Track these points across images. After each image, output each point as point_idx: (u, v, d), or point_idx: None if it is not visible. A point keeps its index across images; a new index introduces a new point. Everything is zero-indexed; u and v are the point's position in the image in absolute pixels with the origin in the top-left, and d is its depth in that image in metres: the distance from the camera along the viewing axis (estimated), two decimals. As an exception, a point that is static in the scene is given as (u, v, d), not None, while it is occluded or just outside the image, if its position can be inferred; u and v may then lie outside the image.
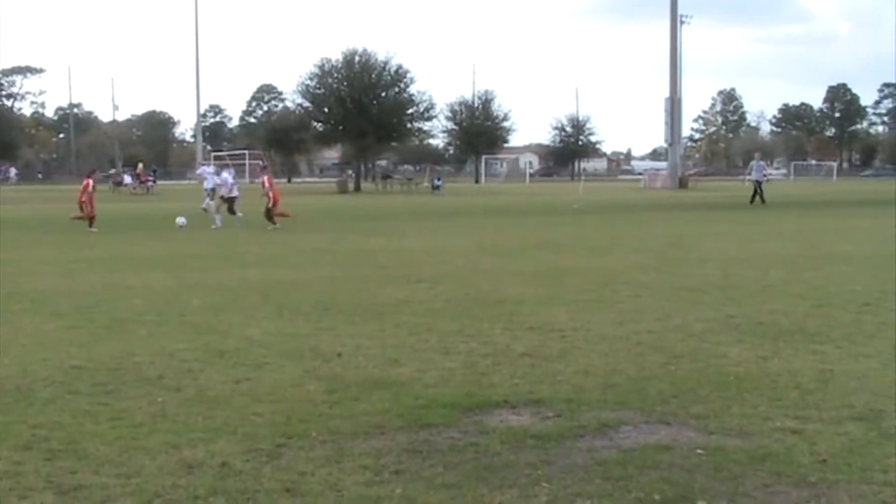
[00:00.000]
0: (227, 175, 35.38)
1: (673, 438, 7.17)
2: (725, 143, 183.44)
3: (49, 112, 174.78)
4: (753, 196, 47.55)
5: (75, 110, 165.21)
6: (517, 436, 7.22)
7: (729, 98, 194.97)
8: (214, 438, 7.19)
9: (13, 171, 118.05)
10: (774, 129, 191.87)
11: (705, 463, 6.60)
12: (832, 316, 12.55)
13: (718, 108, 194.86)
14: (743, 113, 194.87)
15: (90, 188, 32.20)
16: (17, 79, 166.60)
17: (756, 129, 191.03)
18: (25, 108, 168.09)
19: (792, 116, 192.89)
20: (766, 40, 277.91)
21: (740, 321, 12.21)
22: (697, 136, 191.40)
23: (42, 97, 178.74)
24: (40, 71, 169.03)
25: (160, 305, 14.06)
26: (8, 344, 11.02)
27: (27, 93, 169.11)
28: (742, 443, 7.02)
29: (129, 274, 18.48)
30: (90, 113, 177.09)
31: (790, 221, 34.80)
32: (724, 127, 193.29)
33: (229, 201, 33.83)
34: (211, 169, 42.29)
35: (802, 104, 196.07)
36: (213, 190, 37.19)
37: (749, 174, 47.55)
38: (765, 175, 46.81)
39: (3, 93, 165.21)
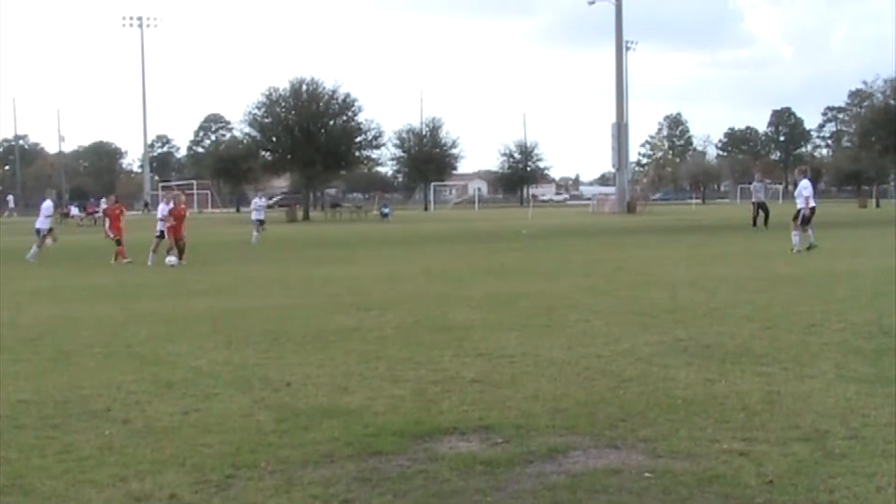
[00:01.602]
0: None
1: (622, 462, 7.19)
2: (672, 168, 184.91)
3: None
4: (755, 218, 44.46)
5: (21, 142, 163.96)
6: (466, 462, 7.22)
7: (675, 122, 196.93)
8: (163, 470, 7.14)
9: (11, 198, 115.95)
10: (721, 152, 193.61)
11: (654, 486, 6.63)
12: (778, 337, 12.65)
13: (665, 132, 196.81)
14: (689, 137, 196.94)
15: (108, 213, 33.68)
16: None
17: (703, 153, 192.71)
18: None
19: (738, 140, 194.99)
20: (710, 65, 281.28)
21: (688, 344, 12.28)
22: (645, 160, 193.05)
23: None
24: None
25: (107, 336, 13.96)
26: (-48, 378, 10.89)
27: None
28: (690, 465, 7.06)
29: (75, 305, 18.33)
30: (36, 144, 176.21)
31: (737, 244, 35.07)
32: (671, 151, 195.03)
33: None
34: (262, 202, 45.22)
35: (748, 128, 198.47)
36: (260, 222, 42.54)
37: (755, 194, 45.05)
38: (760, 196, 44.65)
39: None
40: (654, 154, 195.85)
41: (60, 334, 14.35)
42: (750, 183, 51.66)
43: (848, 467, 6.91)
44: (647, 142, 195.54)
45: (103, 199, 44.28)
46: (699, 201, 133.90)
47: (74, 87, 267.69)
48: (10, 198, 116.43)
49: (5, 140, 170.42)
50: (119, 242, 31.46)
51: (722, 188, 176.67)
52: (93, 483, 6.88)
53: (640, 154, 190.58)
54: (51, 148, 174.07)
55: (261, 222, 43.19)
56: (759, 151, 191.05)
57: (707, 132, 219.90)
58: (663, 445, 7.58)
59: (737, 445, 7.52)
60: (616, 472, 6.95)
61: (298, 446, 7.72)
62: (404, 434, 8.04)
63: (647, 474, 6.87)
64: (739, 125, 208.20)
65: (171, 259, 28.00)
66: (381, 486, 6.73)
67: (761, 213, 43.97)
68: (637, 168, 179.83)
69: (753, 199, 45.67)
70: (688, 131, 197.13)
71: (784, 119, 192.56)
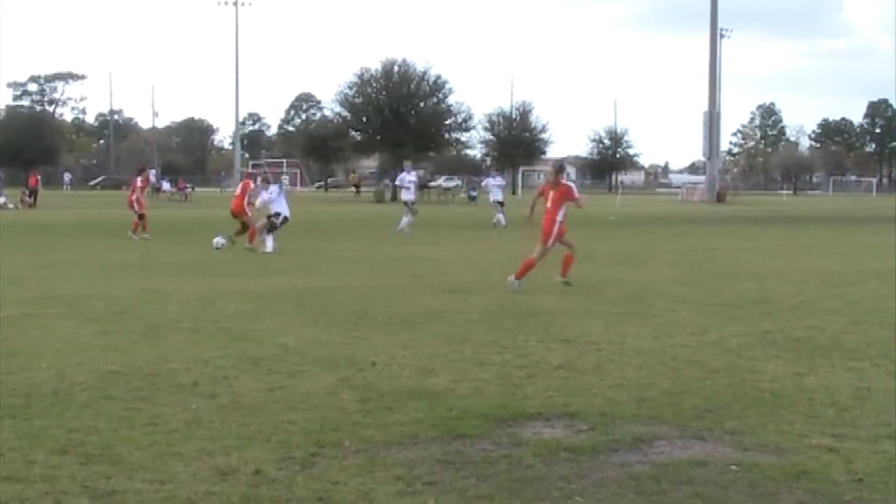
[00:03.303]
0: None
1: (707, 454, 7.12)
2: (764, 158, 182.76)
3: (90, 118, 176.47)
4: None
5: (115, 116, 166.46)
6: (550, 448, 7.19)
7: (768, 112, 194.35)
8: (248, 446, 7.20)
9: (67, 176, 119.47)
10: (814, 143, 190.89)
11: (740, 479, 6.55)
12: (869, 333, 12.45)
13: (757, 122, 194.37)
14: (782, 127, 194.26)
15: (138, 186, 32.65)
16: (59, 85, 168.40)
17: (795, 143, 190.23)
18: (66, 114, 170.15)
19: (831, 131, 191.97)
20: (806, 54, 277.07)
21: (776, 337, 12.14)
22: (736, 150, 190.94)
23: (83, 103, 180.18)
24: (82, 77, 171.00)
25: (195, 312, 14.11)
26: (43, 348, 11.08)
27: (68, 99, 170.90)
28: (777, 460, 6.97)
29: (163, 279, 18.56)
30: (130, 119, 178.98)
31: (827, 237, 34.58)
32: (762, 141, 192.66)
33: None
34: (413, 176, 38.43)
35: (842, 119, 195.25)
36: (411, 203, 36.49)
37: None
38: None
39: (45, 98, 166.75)
40: (745, 144, 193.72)
41: (149, 308, 14.53)
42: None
43: (940, 468, 6.77)
44: (738, 131, 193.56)
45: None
46: (790, 192, 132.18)
47: (169, 63, 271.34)
48: (67, 175, 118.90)
49: (101, 114, 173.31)
50: (141, 217, 31.47)
51: (814, 180, 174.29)
52: (179, 456, 6.96)
53: (731, 143, 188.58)
54: (144, 123, 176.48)
55: (411, 203, 36.78)
56: (854, 143, 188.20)
57: (800, 122, 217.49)
58: (750, 438, 7.49)
59: (826, 441, 7.41)
60: (702, 463, 6.88)
61: (382, 427, 7.74)
62: (488, 418, 8.02)
63: (733, 467, 6.79)
64: (834, 116, 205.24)
65: (220, 240, 26.70)
66: (465, 470, 6.72)
67: None
68: (728, 157, 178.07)
69: None
70: (781, 121, 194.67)
71: (881, 111, 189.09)
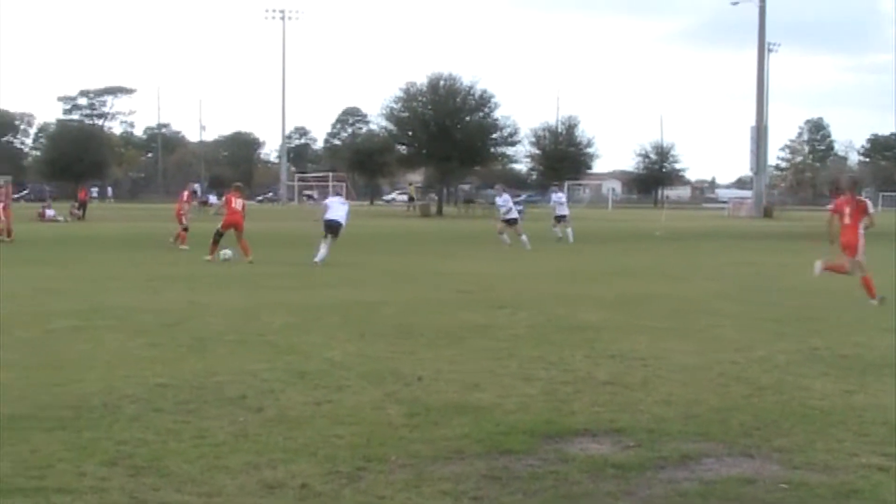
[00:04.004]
0: (507, 196, 37.11)
1: (756, 472, 7.07)
2: (812, 173, 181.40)
3: (138, 132, 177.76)
4: None
5: (163, 130, 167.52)
6: (597, 465, 7.17)
7: (816, 127, 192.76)
8: (295, 459, 7.22)
9: (109, 189, 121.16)
10: (863, 159, 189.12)
11: (789, 498, 6.50)
12: (920, 350, 12.31)
13: (805, 137, 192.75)
14: (830, 142, 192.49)
15: (185, 200, 34.31)
16: (109, 99, 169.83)
17: (844, 158, 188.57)
18: (115, 128, 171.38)
19: (881, 146, 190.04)
20: (854, 69, 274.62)
21: (824, 354, 12.04)
22: (783, 165, 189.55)
23: (132, 117, 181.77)
24: (131, 91, 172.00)
25: (240, 324, 14.18)
26: (93, 360, 11.18)
27: (118, 112, 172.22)
28: (827, 478, 6.91)
29: (209, 292, 18.67)
30: (178, 133, 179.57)
31: (879, 254, 34.25)
32: (810, 156, 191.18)
33: (509, 222, 35.50)
34: (562, 196, 42.01)
35: (892, 134, 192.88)
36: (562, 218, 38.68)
37: None
38: None
39: (95, 112, 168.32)
40: (793, 158, 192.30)
41: (196, 321, 14.62)
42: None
43: None
44: (786, 146, 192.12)
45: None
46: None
47: (217, 77, 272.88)
48: (110, 188, 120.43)
49: (149, 128, 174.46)
50: (185, 230, 32.97)
51: (863, 195, 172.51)
52: (226, 469, 6.99)
53: (778, 158, 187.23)
54: (192, 137, 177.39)
55: (562, 218, 39.97)
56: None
57: (849, 137, 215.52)
58: (799, 456, 7.43)
59: (876, 460, 7.33)
60: (750, 481, 6.83)
61: (429, 441, 7.74)
62: (535, 433, 8.00)
63: (782, 485, 6.74)
64: (883, 131, 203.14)
65: (227, 252, 26.78)
66: (511, 485, 6.71)
67: None
68: (775, 172, 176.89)
69: None
70: (829, 136, 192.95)
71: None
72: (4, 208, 35.65)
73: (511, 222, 35.68)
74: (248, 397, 9.31)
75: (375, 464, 7.13)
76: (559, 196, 41.81)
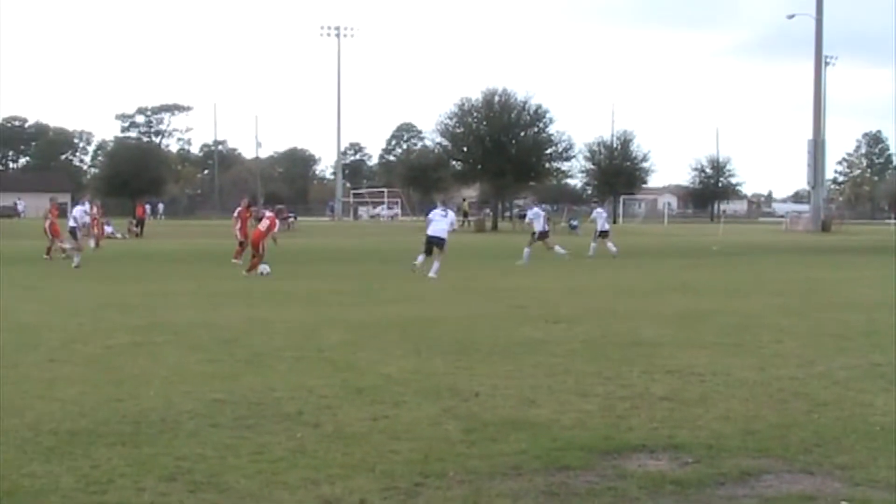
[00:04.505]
0: (537, 210, 37.32)
1: (817, 489, 7.00)
2: (870, 186, 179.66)
3: (195, 149, 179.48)
4: None
5: (220, 147, 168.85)
6: (656, 481, 7.13)
7: (874, 140, 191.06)
8: (352, 475, 7.24)
9: (161, 206, 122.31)
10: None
11: (851, 515, 6.43)
12: (984, 366, 12.14)
13: (863, 150, 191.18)
14: (889, 156, 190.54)
15: (240, 215, 34.68)
16: (166, 116, 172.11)
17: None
18: (172, 145, 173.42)
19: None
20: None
21: (886, 369, 11.90)
22: (841, 178, 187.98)
23: (188, 134, 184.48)
24: (187, 108, 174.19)
25: (298, 341, 14.24)
26: (152, 376, 11.26)
27: (174, 130, 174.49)
28: (890, 496, 6.83)
29: (267, 308, 18.76)
30: (234, 149, 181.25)
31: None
32: (868, 170, 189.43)
33: (542, 236, 35.57)
34: (603, 210, 42.96)
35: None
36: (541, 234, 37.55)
37: None
38: None
39: (152, 130, 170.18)
40: (850, 172, 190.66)
41: (253, 337, 14.69)
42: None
43: None
44: (843, 159, 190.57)
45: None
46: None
47: (272, 94, 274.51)
48: (161, 205, 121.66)
49: (205, 145, 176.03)
50: (242, 245, 33.04)
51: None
52: (285, 485, 7.02)
53: (836, 172, 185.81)
54: (248, 153, 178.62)
55: (605, 234, 40.57)
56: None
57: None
58: (861, 473, 7.35)
59: (940, 477, 7.24)
60: (811, 498, 6.77)
61: (486, 457, 7.73)
62: (592, 449, 7.98)
63: (843, 502, 6.67)
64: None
65: (264, 268, 27.18)
66: (569, 502, 6.69)
67: None
68: (833, 186, 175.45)
69: None
70: (888, 149, 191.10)
71: None
72: (52, 225, 35.85)
73: (542, 235, 35.85)
74: (305, 413, 9.35)
75: (433, 480, 7.14)
76: (600, 211, 42.07)
